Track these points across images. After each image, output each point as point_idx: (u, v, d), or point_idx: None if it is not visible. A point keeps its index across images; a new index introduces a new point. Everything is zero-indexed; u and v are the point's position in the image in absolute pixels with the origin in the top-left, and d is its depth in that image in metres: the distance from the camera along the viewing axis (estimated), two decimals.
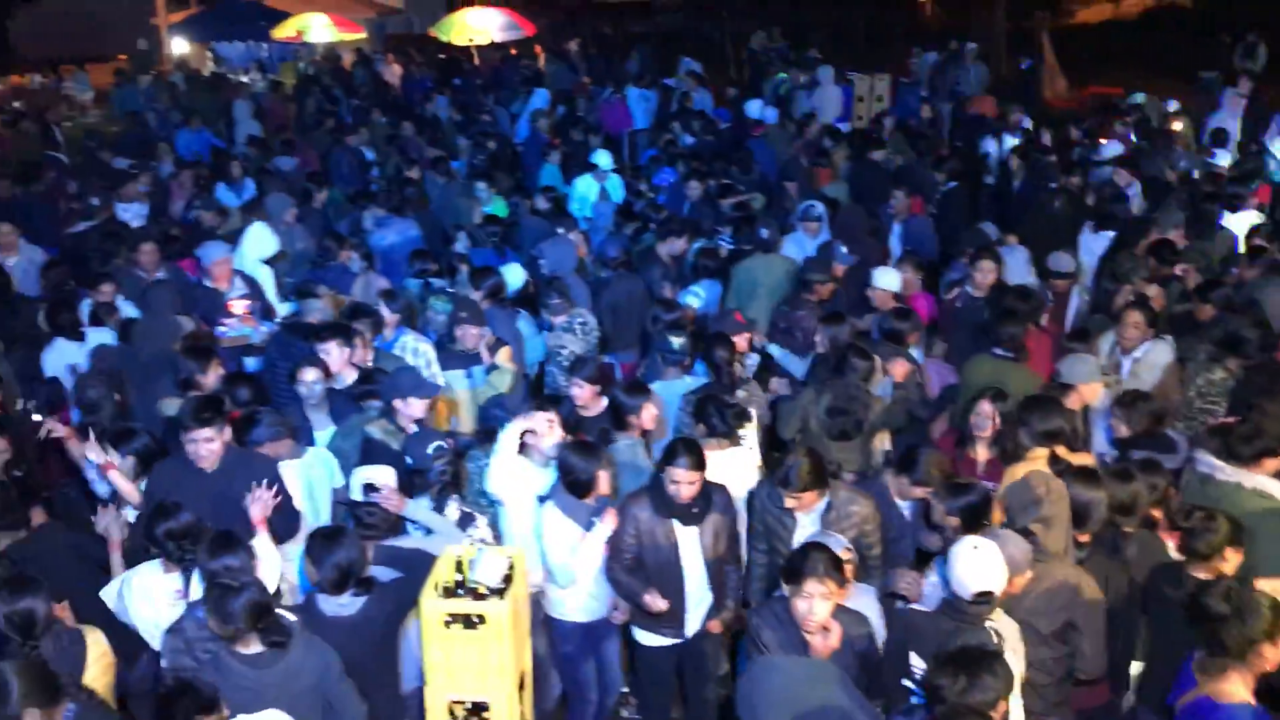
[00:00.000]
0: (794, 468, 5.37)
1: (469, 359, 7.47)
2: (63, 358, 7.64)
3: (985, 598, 4.49)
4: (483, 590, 4.65)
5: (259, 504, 5.25)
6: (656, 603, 5.42)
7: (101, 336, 7.83)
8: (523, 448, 5.80)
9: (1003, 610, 4.63)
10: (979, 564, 4.48)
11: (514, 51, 25.58)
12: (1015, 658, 4.46)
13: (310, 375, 6.53)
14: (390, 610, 4.88)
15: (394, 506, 5.35)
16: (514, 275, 8.80)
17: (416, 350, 7.59)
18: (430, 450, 5.66)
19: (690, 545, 5.50)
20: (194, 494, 5.28)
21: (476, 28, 24.71)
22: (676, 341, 7.04)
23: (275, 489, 5.36)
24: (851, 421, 6.67)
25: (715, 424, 6.11)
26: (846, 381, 6.71)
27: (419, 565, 4.94)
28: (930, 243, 10.60)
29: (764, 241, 9.30)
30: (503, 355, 7.48)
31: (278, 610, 4.52)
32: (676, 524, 5.47)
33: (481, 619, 4.59)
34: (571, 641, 5.84)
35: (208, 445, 5.47)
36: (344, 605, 4.78)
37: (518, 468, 5.76)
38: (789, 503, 5.43)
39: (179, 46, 28.82)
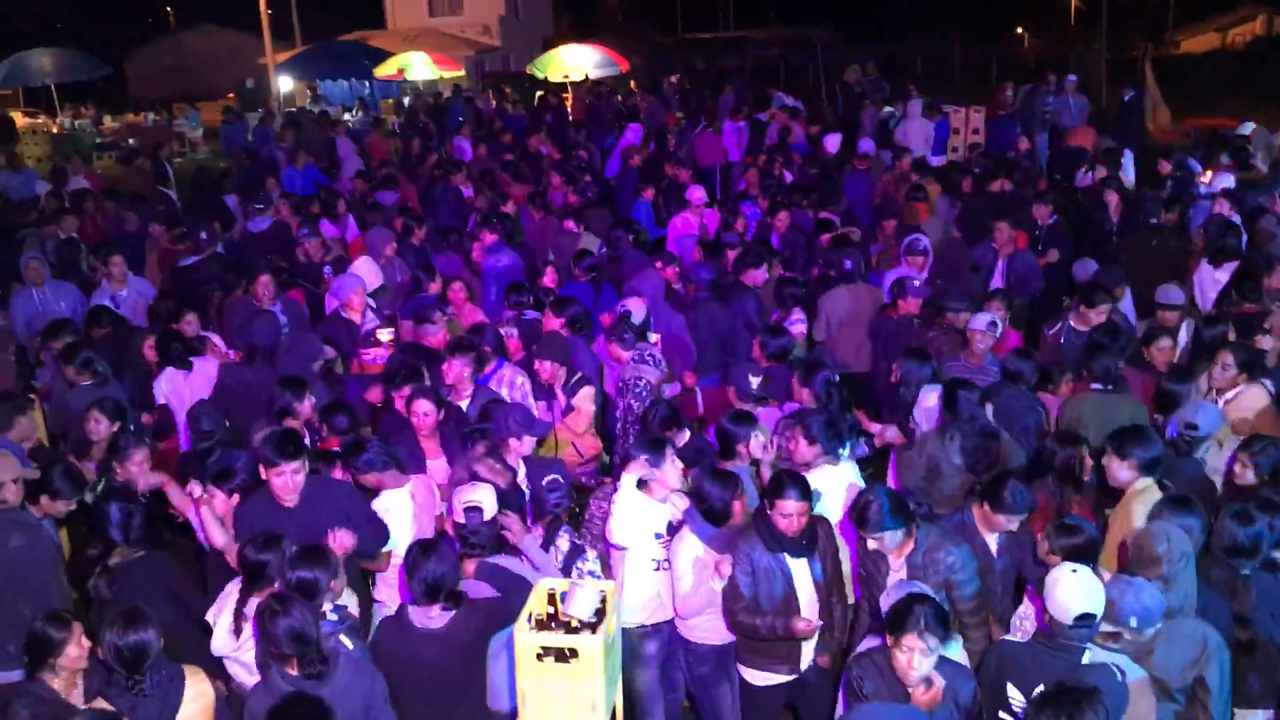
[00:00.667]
0: (871, 505, 5.21)
1: (546, 392, 7.50)
2: (173, 387, 7.90)
3: (1086, 621, 4.38)
4: (575, 624, 4.65)
5: (339, 545, 5.41)
6: (803, 625, 5.30)
7: (207, 367, 8.08)
8: (642, 483, 5.78)
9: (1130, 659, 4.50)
10: (1078, 587, 4.39)
11: (609, 88, 25.88)
12: (1144, 707, 4.33)
13: (423, 407, 6.63)
14: (479, 627, 4.92)
15: (514, 537, 5.43)
16: (637, 309, 8.60)
17: (514, 383, 7.65)
18: (545, 482, 5.73)
19: (803, 578, 5.44)
20: (278, 525, 5.37)
21: (572, 65, 25.12)
22: (755, 381, 7.01)
23: (358, 514, 5.51)
24: (988, 461, 6.43)
25: (820, 438, 6.09)
26: (975, 420, 6.56)
27: (517, 590, 4.98)
28: (1036, 279, 10.32)
29: (849, 272, 9.30)
30: (583, 396, 7.46)
31: (335, 636, 4.63)
32: (788, 557, 5.41)
33: (574, 653, 4.59)
34: (707, 663, 5.80)
35: (294, 478, 5.59)
36: (432, 619, 4.87)
37: (638, 507, 5.74)
38: (871, 544, 5.30)
39: (285, 85, 29.70)
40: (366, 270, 9.89)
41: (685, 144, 17.58)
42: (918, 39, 38.16)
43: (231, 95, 35.16)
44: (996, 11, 47.66)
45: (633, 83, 28.18)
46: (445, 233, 11.84)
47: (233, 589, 5.14)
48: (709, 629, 5.71)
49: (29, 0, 51.56)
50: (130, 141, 26.26)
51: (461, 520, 5.39)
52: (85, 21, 49.46)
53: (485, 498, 5.44)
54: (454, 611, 4.87)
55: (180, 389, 7.89)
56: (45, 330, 9.02)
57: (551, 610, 4.71)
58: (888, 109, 19.53)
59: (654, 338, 8.50)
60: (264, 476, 5.63)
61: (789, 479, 5.37)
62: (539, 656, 4.60)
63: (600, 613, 4.72)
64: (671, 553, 5.62)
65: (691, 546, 5.54)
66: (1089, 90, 20.45)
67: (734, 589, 5.42)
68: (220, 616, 5.09)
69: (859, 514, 5.23)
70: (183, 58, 47.53)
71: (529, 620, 4.69)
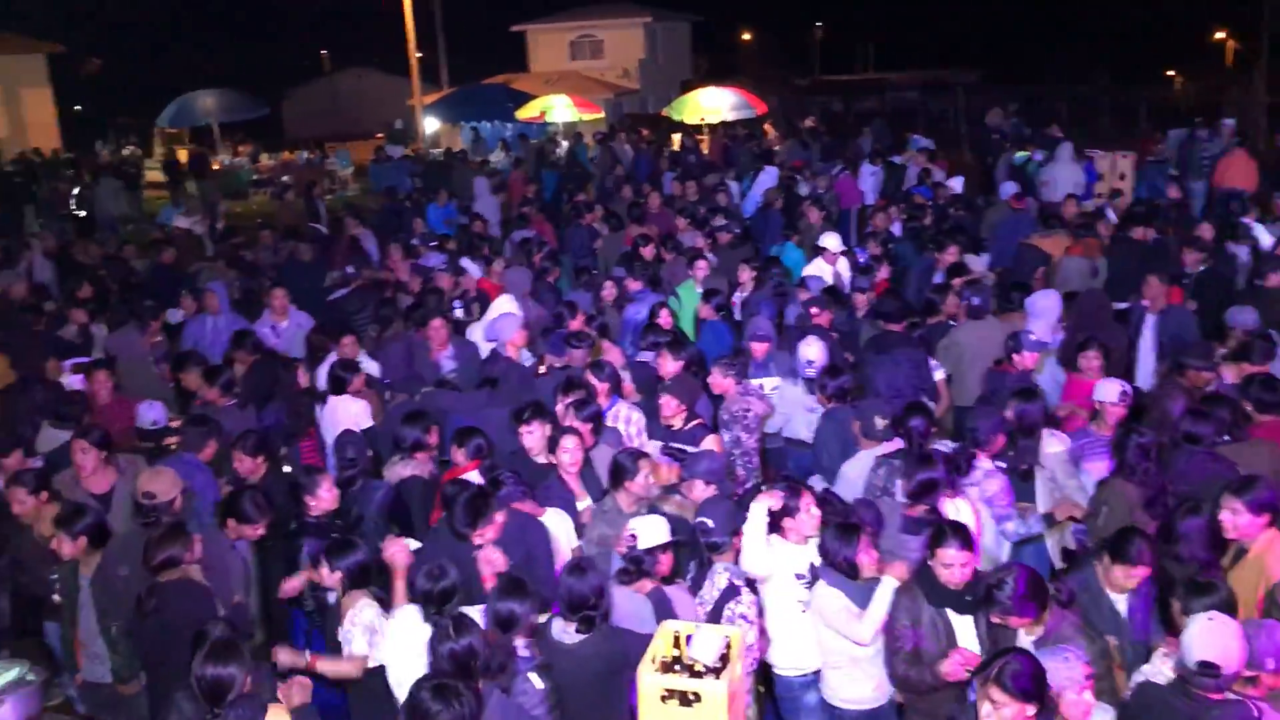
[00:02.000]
0: (1004, 585, 4.86)
1: (670, 433, 7.51)
2: (334, 417, 8.20)
3: (1209, 670, 4.25)
4: (699, 668, 4.65)
5: (489, 565, 5.53)
6: (950, 666, 5.01)
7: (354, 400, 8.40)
8: (776, 528, 5.73)
9: None
10: (1210, 635, 4.30)
11: (745, 130, 26.00)
12: None
13: (570, 443, 6.70)
14: (611, 652, 4.97)
15: (661, 568, 5.45)
16: (812, 351, 8.46)
17: (630, 419, 7.72)
18: (695, 523, 5.76)
19: (967, 636, 5.20)
20: (463, 554, 5.61)
21: (709, 107, 25.30)
22: (880, 422, 6.91)
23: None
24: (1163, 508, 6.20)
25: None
26: (1149, 469, 6.33)
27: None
28: (1191, 334, 9.53)
29: (977, 309, 9.18)
30: (710, 442, 7.43)
31: (524, 673, 4.73)
32: (951, 613, 5.21)
33: (697, 697, 4.58)
34: None
35: (481, 536, 5.75)
36: (565, 634, 5.00)
37: (773, 547, 5.69)
38: (994, 618, 5.06)
39: (431, 126, 30.67)
40: (507, 308, 10.07)
41: (829, 186, 17.41)
42: (1063, 82, 37.32)
43: (381, 135, 36.45)
44: (1147, 54, 46.30)
45: (768, 125, 28.25)
46: (579, 272, 12.01)
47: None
48: (854, 693, 5.55)
49: (196, 44, 54.57)
50: (284, 179, 27.45)
51: (622, 549, 5.47)
52: (246, 64, 52.04)
53: (650, 527, 5.47)
54: (585, 635, 4.96)
55: (339, 418, 8.16)
56: (174, 361, 9.47)
57: (676, 653, 4.72)
58: (1021, 154, 19.11)
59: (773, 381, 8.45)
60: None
61: (951, 529, 5.22)
62: (663, 699, 4.61)
63: (725, 658, 4.71)
64: (813, 603, 5.52)
65: (826, 594, 5.44)
66: (1247, 137, 19.66)
67: (893, 638, 5.28)
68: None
69: (988, 591, 4.94)
70: (336, 99, 49.65)
71: (653, 662, 4.71)
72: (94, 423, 7.76)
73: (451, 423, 7.42)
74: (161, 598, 5.55)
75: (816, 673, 5.71)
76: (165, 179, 25.49)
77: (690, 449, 7.17)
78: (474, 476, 6.74)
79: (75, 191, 22.63)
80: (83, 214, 21.68)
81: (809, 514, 5.71)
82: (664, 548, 5.42)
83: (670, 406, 7.47)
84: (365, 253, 14.45)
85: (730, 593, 5.51)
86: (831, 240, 11.94)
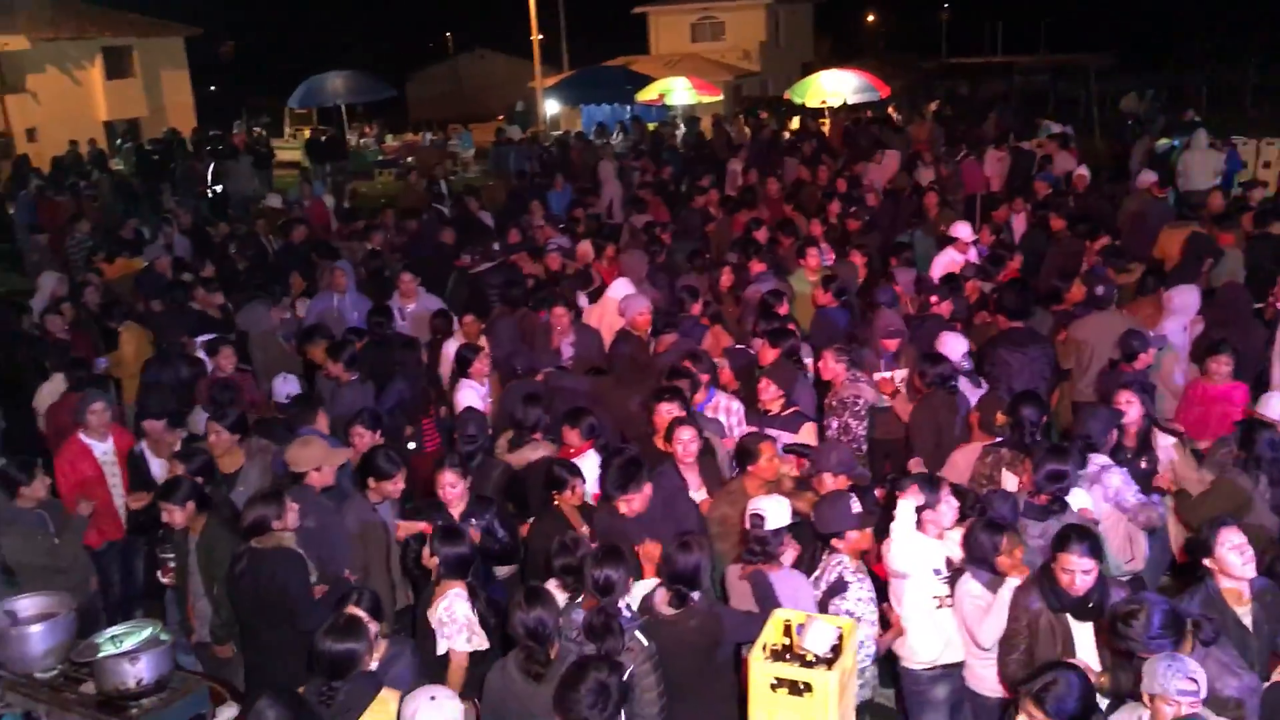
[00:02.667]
0: (1138, 617, 4.50)
1: (767, 418, 7.45)
2: (465, 398, 8.33)
3: None
4: (810, 657, 4.62)
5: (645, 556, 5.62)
6: None
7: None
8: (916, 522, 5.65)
9: None
10: None
11: (868, 114, 25.58)
12: None
13: (686, 434, 6.68)
14: (706, 627, 5.04)
15: (787, 555, 5.46)
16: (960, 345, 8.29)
17: (730, 409, 7.68)
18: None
19: (1086, 643, 5.01)
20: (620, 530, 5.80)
21: (831, 90, 24.95)
22: (1001, 419, 6.76)
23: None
24: None
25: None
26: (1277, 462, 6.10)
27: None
28: None
29: (1098, 299, 8.96)
30: (807, 431, 7.34)
31: (630, 631, 4.85)
32: (1070, 619, 5.04)
33: (807, 687, 4.55)
34: (993, 717, 5.59)
35: (628, 504, 5.91)
36: (663, 606, 5.11)
37: (916, 542, 5.60)
38: (1119, 647, 4.69)
39: (551, 108, 30.90)
40: (624, 291, 10.11)
41: (954, 171, 17.01)
42: (1205, 66, 35.77)
43: (501, 117, 36.89)
44: None
45: (892, 109, 27.76)
46: (692, 255, 12.00)
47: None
48: (996, 681, 5.42)
49: (325, 27, 55.96)
50: (408, 160, 28.02)
51: (746, 525, 5.48)
52: (373, 46, 53.15)
53: (775, 508, 5.47)
54: (683, 608, 5.04)
55: (467, 398, 8.30)
56: (300, 335, 9.72)
57: (787, 642, 4.70)
58: (1163, 141, 18.38)
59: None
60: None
61: (1076, 533, 5.02)
62: (772, 687, 4.59)
63: (836, 649, 4.66)
64: (957, 596, 5.45)
65: (970, 588, 5.36)
66: None
67: (1009, 640, 5.17)
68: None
69: (1116, 620, 4.59)
70: (458, 81, 50.40)
71: (764, 649, 4.69)
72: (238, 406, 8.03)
73: (568, 404, 7.49)
74: (252, 562, 5.74)
75: (946, 667, 5.61)
76: (306, 159, 26.16)
77: (788, 435, 7.15)
78: (591, 459, 6.84)
79: (210, 170, 23.46)
80: (217, 191, 22.45)
81: (948, 506, 5.62)
82: (788, 530, 5.43)
83: (769, 391, 7.43)
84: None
85: (838, 587, 5.48)
86: (963, 230, 11.59)
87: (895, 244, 11.88)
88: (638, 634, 4.91)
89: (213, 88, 45.99)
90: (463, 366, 8.53)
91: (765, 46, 41.07)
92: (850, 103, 25.18)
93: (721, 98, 31.28)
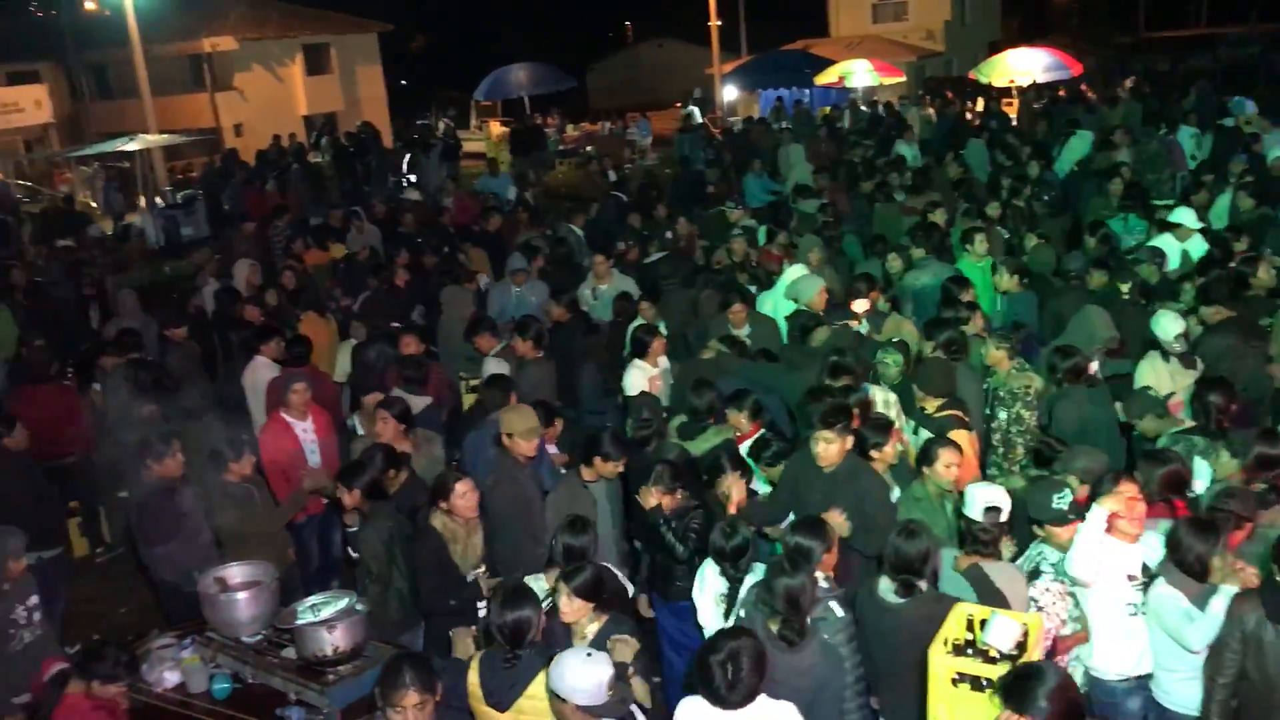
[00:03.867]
0: None
1: (922, 416, 7.23)
2: (635, 380, 8.45)
3: None
4: (993, 653, 4.50)
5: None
6: None
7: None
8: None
9: None
10: None
11: (1062, 92, 24.55)
12: None
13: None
14: (932, 617, 4.89)
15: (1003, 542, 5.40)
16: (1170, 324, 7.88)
17: (886, 402, 7.51)
18: None
19: None
20: (812, 487, 5.95)
21: (1020, 69, 24.09)
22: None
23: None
24: None
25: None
26: None
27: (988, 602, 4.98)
28: None
29: None
30: (961, 435, 7.09)
31: (825, 602, 4.89)
32: None
33: (990, 683, 4.44)
34: None
35: (827, 447, 5.99)
36: (888, 594, 5.04)
37: (1107, 547, 5.30)
38: None
39: (730, 94, 30.83)
40: (796, 276, 10.01)
41: (1158, 150, 16.09)
42: None
43: (679, 104, 37.04)
44: None
45: (1085, 86, 26.57)
46: (872, 241, 11.77)
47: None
48: (1188, 695, 5.14)
49: (510, 21, 57.30)
50: (588, 149, 28.46)
51: (977, 517, 5.35)
52: (555, 38, 54.11)
53: (995, 497, 5.38)
54: (910, 597, 4.98)
55: (636, 380, 8.42)
56: (468, 325, 9.95)
57: (970, 636, 4.59)
58: None
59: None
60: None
61: None
62: (954, 681, 4.49)
63: (1021, 646, 4.53)
64: (1151, 603, 5.14)
65: (1165, 594, 5.03)
66: None
67: (1218, 654, 4.83)
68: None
69: None
70: (637, 69, 50.88)
71: (945, 644, 4.60)
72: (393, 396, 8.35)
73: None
74: (422, 541, 5.98)
75: (1139, 678, 5.33)
76: (507, 151, 26.89)
77: None
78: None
79: (405, 161, 24.42)
80: (411, 181, 23.34)
81: (1140, 506, 5.32)
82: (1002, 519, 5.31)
83: (920, 391, 7.25)
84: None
85: (1032, 575, 5.32)
86: (1187, 215, 10.88)
87: (1091, 223, 11.34)
88: (833, 605, 4.92)
89: (404, 82, 47.77)
90: (639, 349, 8.61)
91: (950, 25, 39.89)
92: (1039, 81, 24.24)
93: (904, 79, 30.59)
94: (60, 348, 11.31)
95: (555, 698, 4.26)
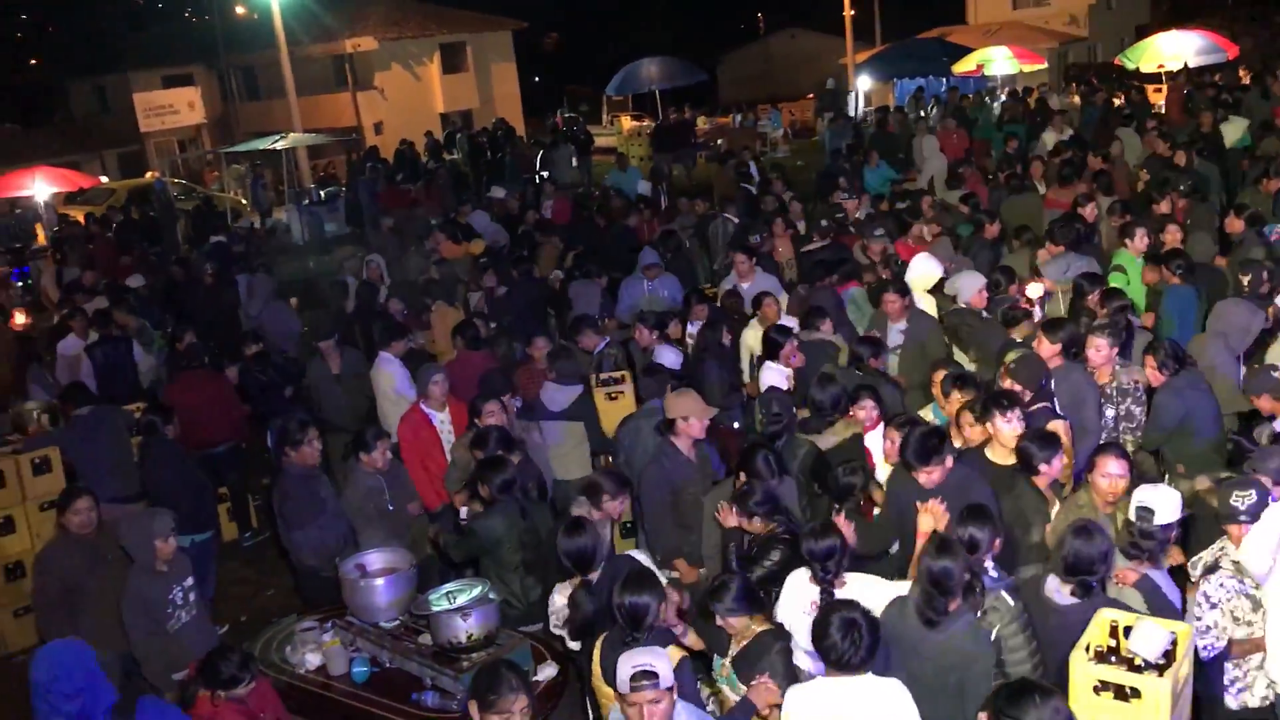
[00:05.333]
0: None
1: None
2: (769, 378, 8.29)
3: None
4: (1139, 662, 4.33)
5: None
6: None
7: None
8: None
9: None
10: None
11: (1218, 77, 23.44)
12: None
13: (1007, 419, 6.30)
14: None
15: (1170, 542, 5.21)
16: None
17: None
18: None
19: None
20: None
21: (1170, 53, 23.05)
22: None
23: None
24: None
25: None
26: None
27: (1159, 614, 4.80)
28: None
29: None
30: (1058, 427, 6.77)
31: (996, 591, 4.79)
32: None
33: (1136, 693, 4.27)
34: None
35: (928, 475, 5.78)
36: (1059, 594, 4.88)
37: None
38: None
39: (864, 84, 30.34)
40: (926, 267, 9.79)
41: None
42: None
43: (811, 96, 36.63)
44: None
45: (1242, 70, 25.33)
46: (1018, 231, 11.41)
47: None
48: None
49: (641, 16, 57.55)
50: (719, 142, 28.36)
51: (1132, 519, 5.17)
52: (686, 32, 54.16)
53: (1165, 502, 5.15)
54: (1080, 600, 4.81)
55: (770, 378, 8.30)
56: (569, 325, 10.07)
57: (1113, 643, 4.43)
58: None
59: None
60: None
61: None
62: (1095, 690, 4.34)
63: (1169, 655, 4.35)
64: None
65: None
66: None
67: None
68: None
69: None
70: (768, 61, 50.45)
71: (1086, 650, 4.44)
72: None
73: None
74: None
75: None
76: (653, 147, 27.00)
77: None
78: (875, 436, 6.77)
79: (538, 156, 24.74)
80: (543, 177, 23.64)
81: None
82: (1176, 525, 5.12)
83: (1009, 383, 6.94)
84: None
85: (1210, 568, 5.13)
86: None
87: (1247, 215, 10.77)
88: (1004, 594, 4.79)
89: (536, 78, 48.40)
90: (771, 349, 8.48)
91: (1095, 9, 38.47)
92: (1191, 66, 23.18)
93: (1046, 66, 29.62)
94: (211, 339, 11.84)
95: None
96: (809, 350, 8.41)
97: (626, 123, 33.65)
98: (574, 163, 25.23)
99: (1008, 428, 6.09)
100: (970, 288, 8.91)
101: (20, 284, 17.52)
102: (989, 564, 4.95)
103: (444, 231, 14.57)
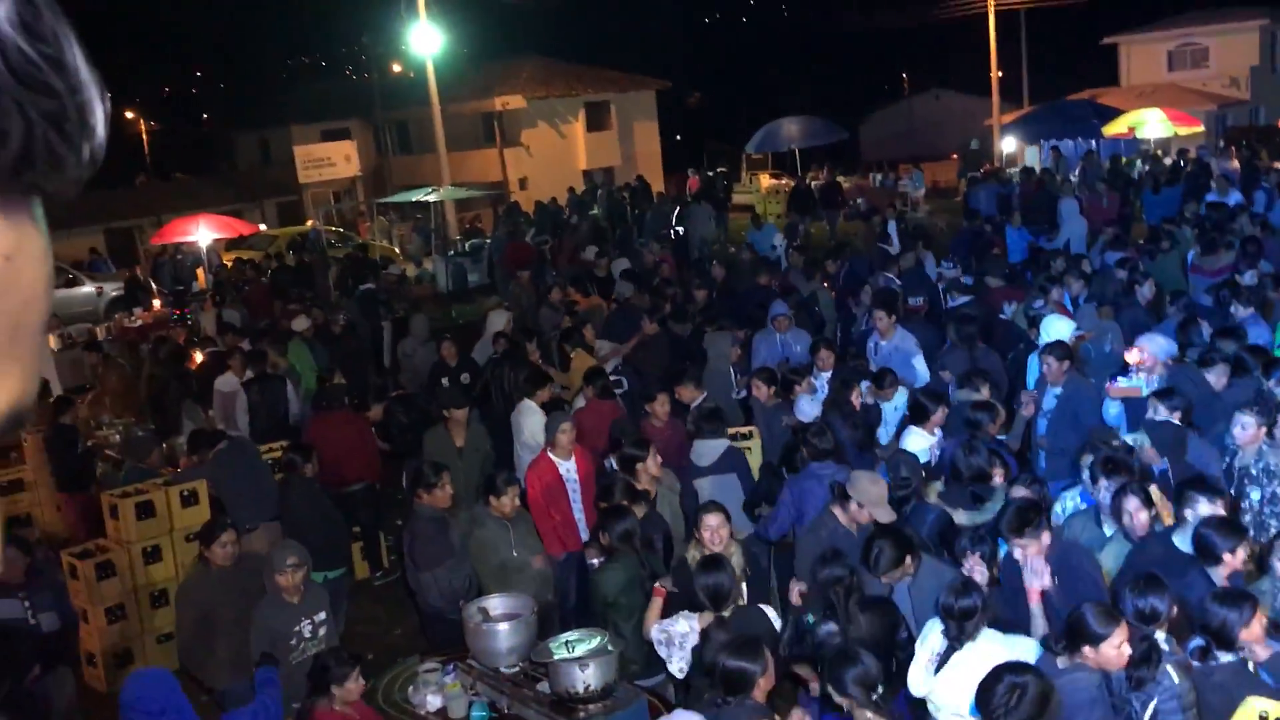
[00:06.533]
0: None
1: None
2: (913, 444, 8.17)
3: None
4: None
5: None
6: None
7: None
8: None
9: None
10: None
11: None
12: None
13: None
14: (1244, 689, 4.55)
15: None
16: None
17: None
18: None
19: None
20: None
21: None
22: None
23: None
24: None
25: None
26: None
27: None
28: None
29: None
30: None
31: None
32: None
33: None
34: None
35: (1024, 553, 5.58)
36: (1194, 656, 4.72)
37: None
38: None
39: (1009, 145, 29.84)
40: (1057, 326, 9.58)
41: None
42: None
43: (954, 156, 36.18)
44: None
45: None
46: (1174, 294, 11.01)
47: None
48: None
49: (783, 75, 57.87)
50: (858, 201, 28.19)
51: None
52: (827, 91, 54.22)
53: None
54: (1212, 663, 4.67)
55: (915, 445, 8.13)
56: (672, 375, 10.00)
57: None
58: None
59: None
60: None
61: None
62: None
63: None
64: None
65: None
66: None
67: None
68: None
69: None
70: (911, 120, 50.13)
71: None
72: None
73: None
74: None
75: None
76: (791, 208, 26.97)
77: None
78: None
79: (675, 213, 25.00)
80: (679, 232, 23.86)
81: None
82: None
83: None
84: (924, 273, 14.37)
85: None
86: None
87: None
88: (1169, 669, 4.59)
89: (678, 136, 49.03)
90: (919, 415, 8.18)
91: (1257, 71, 37.15)
92: None
93: (1201, 129, 28.68)
94: (355, 381, 12.23)
95: None
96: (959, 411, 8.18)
97: (765, 181, 33.74)
98: (711, 219, 25.38)
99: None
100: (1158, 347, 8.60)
101: (181, 324, 18.40)
102: (1161, 635, 4.74)
103: (578, 284, 14.79)
